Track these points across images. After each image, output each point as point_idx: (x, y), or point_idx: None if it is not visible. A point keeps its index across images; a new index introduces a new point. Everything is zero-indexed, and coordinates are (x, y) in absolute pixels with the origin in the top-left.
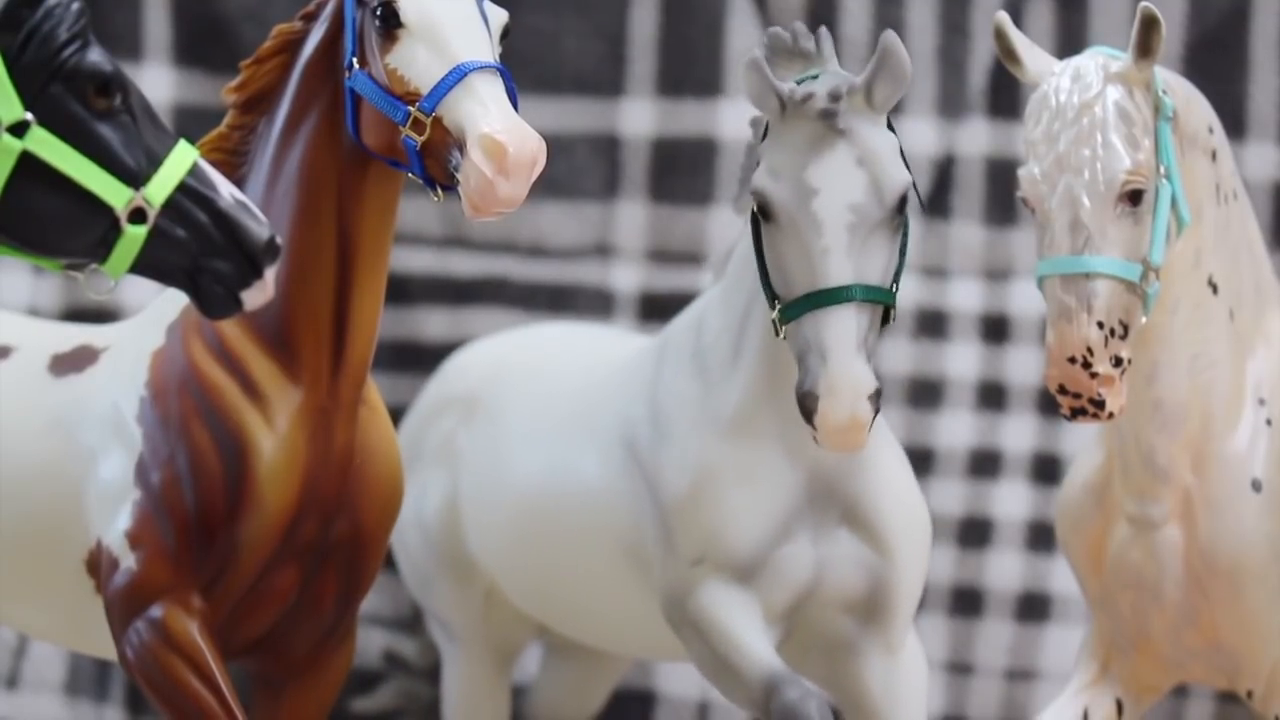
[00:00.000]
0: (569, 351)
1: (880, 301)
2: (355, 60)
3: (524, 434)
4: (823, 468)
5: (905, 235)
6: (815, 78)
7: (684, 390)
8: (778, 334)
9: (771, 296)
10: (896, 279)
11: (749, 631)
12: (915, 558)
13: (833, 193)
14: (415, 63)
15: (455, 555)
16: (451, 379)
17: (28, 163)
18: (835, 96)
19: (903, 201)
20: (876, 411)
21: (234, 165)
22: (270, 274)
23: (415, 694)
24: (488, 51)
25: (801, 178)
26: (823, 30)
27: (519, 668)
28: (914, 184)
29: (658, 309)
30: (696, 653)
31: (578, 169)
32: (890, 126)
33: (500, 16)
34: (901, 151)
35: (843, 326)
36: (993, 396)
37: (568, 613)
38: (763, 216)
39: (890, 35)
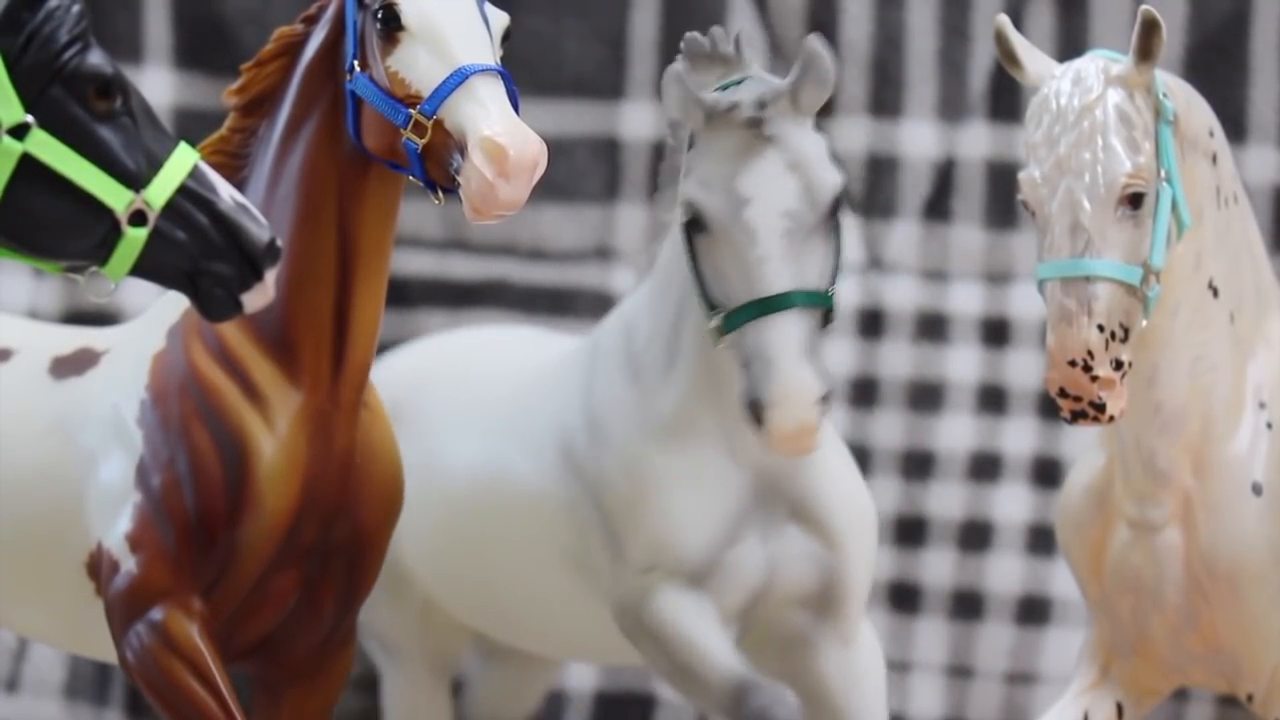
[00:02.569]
0: (495, 355)
1: (820, 305)
2: (356, 63)
3: (453, 441)
4: (767, 466)
5: (839, 236)
6: (739, 83)
7: (620, 396)
8: (717, 344)
9: (709, 306)
10: (834, 280)
11: (709, 637)
12: (863, 548)
13: (765, 200)
14: (416, 65)
15: (389, 569)
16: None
17: (28, 165)
18: (762, 104)
19: (836, 203)
20: (826, 414)
21: (235, 168)
22: (270, 276)
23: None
24: (489, 54)
25: (732, 187)
26: (741, 33)
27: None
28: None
29: None
30: (656, 661)
31: (578, 172)
32: (817, 127)
33: (501, 19)
34: (833, 152)
35: (787, 334)
36: (993, 399)
37: (505, 620)
38: (696, 228)
39: (813, 40)
